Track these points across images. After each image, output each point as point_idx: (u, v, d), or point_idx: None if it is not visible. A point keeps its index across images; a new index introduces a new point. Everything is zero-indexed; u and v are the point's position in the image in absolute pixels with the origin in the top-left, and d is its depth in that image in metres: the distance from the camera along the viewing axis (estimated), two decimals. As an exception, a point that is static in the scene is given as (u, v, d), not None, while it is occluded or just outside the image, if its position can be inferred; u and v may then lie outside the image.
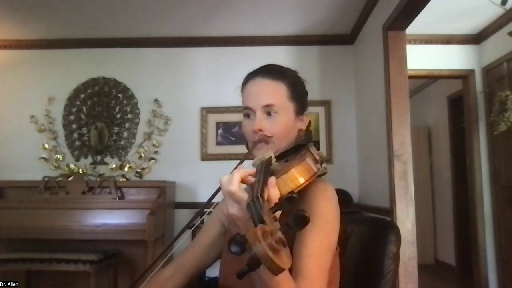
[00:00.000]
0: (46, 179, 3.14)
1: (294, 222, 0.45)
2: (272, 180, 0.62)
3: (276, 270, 0.42)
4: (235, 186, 0.60)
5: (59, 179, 3.19)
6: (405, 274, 2.39)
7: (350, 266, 0.97)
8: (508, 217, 3.31)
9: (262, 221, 0.47)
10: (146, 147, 3.56)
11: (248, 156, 0.84)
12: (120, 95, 3.64)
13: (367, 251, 0.97)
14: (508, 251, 3.29)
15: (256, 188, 0.57)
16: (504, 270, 3.36)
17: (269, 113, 0.91)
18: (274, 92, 0.92)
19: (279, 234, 0.44)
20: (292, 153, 0.88)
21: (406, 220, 2.45)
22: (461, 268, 4.45)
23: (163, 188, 3.15)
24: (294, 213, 0.46)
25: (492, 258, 3.49)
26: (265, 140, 0.89)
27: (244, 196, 0.59)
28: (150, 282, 0.94)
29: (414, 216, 2.48)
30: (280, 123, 0.92)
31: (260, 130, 0.89)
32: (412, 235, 2.44)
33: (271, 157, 0.78)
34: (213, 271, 1.02)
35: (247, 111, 0.93)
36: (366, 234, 0.99)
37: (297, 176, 0.66)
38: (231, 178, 0.62)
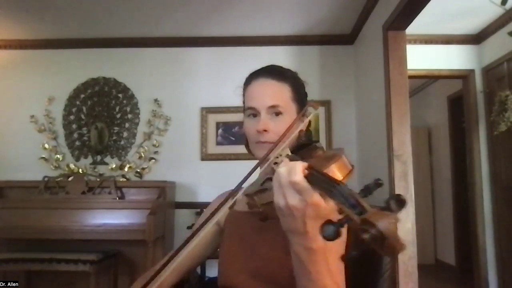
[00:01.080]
0: (46, 179, 3.14)
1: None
2: (334, 170, 0.62)
3: (401, 247, 0.42)
4: (300, 176, 0.59)
5: (59, 179, 3.20)
6: (405, 274, 2.39)
7: (348, 266, 0.97)
8: (508, 217, 3.31)
9: (361, 204, 0.48)
10: (146, 147, 3.56)
11: (265, 158, 0.83)
12: (120, 95, 3.64)
13: (364, 250, 0.97)
14: (508, 251, 3.29)
15: (326, 176, 0.57)
16: (504, 270, 3.36)
17: (273, 114, 0.91)
18: (279, 93, 0.93)
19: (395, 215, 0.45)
20: (296, 152, 0.88)
21: (406, 220, 2.45)
22: (461, 268, 4.45)
23: (163, 188, 3.15)
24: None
25: (492, 258, 3.49)
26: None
27: (308, 186, 0.59)
28: (146, 278, 0.95)
29: (414, 216, 2.48)
30: (286, 124, 0.92)
31: (265, 130, 0.89)
32: (412, 235, 2.44)
33: (289, 154, 0.79)
34: (213, 271, 1.01)
35: (251, 111, 0.93)
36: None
37: (337, 172, 0.65)
38: (293, 168, 0.60)
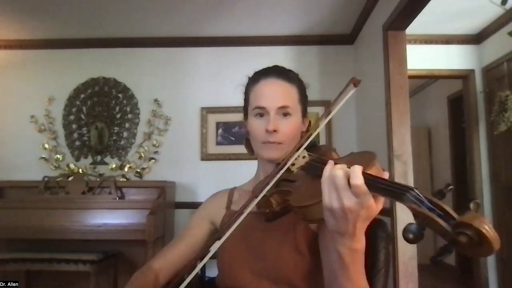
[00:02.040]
0: (46, 179, 3.14)
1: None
2: (386, 174, 0.62)
3: (498, 245, 0.44)
4: (362, 179, 0.59)
5: (59, 179, 3.19)
6: (405, 274, 2.39)
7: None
8: (508, 217, 3.31)
9: (441, 207, 0.49)
10: (146, 147, 3.56)
11: (292, 156, 0.81)
12: (120, 95, 3.64)
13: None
14: (508, 251, 3.29)
15: (387, 181, 0.57)
16: (504, 270, 3.36)
17: (282, 114, 0.92)
18: (288, 94, 0.93)
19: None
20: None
21: (406, 220, 2.45)
22: (461, 268, 4.45)
23: (163, 188, 3.15)
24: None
25: (492, 258, 3.49)
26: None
27: (367, 189, 0.59)
28: (144, 274, 0.94)
29: (414, 216, 2.47)
30: (293, 125, 0.93)
31: (275, 130, 0.89)
32: (412, 235, 2.44)
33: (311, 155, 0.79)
34: (214, 271, 1.01)
35: (260, 111, 0.93)
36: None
37: (382, 175, 0.65)
38: (353, 171, 0.60)
